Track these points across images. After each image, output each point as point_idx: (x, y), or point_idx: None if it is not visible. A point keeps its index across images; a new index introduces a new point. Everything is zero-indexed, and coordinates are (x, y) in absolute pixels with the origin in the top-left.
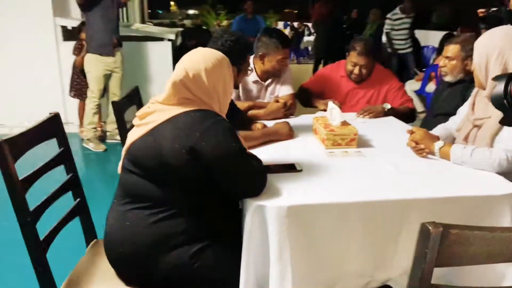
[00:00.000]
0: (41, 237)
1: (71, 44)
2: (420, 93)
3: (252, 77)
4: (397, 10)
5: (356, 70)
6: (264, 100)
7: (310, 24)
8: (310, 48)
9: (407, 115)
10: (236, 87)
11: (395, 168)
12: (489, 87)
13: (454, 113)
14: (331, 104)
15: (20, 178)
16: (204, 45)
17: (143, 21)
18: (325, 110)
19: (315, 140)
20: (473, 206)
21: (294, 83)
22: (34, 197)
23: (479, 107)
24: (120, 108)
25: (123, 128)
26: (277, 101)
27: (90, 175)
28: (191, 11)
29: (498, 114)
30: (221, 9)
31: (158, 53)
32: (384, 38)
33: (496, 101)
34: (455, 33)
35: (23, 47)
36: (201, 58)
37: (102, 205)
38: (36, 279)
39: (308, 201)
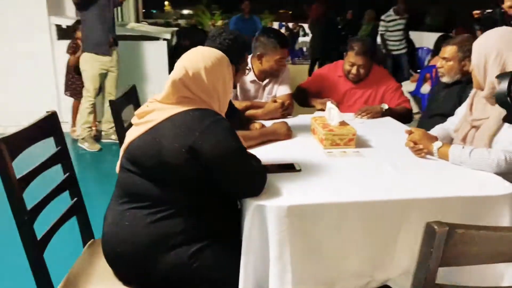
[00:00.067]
0: (38, 237)
1: (66, 43)
2: (415, 94)
3: (250, 76)
4: (390, 11)
5: (354, 70)
6: (261, 100)
7: (305, 25)
8: (305, 49)
9: (404, 116)
10: (234, 86)
11: (393, 168)
12: (487, 88)
13: (451, 114)
14: (329, 104)
15: (17, 177)
16: (200, 45)
17: (137, 21)
18: (322, 110)
19: (313, 140)
20: (472, 206)
21: (291, 83)
22: (28, 196)
23: (477, 108)
24: (118, 107)
25: (121, 127)
26: (275, 101)
27: (85, 174)
28: (185, 11)
29: (497, 115)
30: (216, 9)
31: (154, 52)
32: (378, 39)
33: (500, 99)
34: (450, 34)
35: (17, 46)
36: (201, 57)
37: (97, 204)
38: (33, 279)
39: (308, 201)
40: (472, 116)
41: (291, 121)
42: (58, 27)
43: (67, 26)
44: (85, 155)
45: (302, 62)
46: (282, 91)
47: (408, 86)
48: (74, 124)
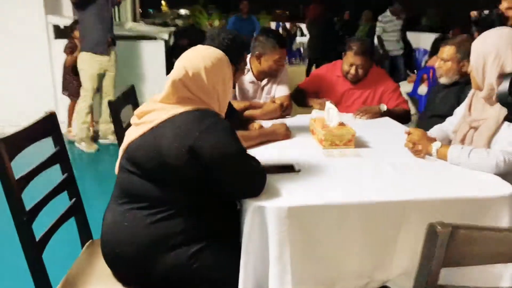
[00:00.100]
0: (37, 238)
1: (63, 42)
2: (412, 95)
3: (248, 77)
4: (387, 12)
5: (353, 70)
6: (260, 100)
7: (302, 25)
8: (302, 49)
9: (402, 116)
10: (232, 86)
11: (393, 169)
12: (486, 88)
13: (449, 115)
14: (328, 105)
15: (15, 177)
16: (198, 45)
17: (135, 20)
18: (320, 110)
19: (312, 141)
20: (471, 207)
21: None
22: (25, 196)
23: (476, 109)
24: (116, 107)
25: (119, 127)
26: (273, 102)
27: (82, 175)
28: (182, 11)
29: (495, 116)
30: (213, 9)
31: (152, 52)
32: (375, 40)
33: (502, 98)
34: (447, 35)
35: (14, 45)
36: (201, 56)
37: (94, 205)
38: (31, 279)
39: (308, 201)
40: (471, 116)
41: (289, 121)
42: (55, 26)
43: (65, 26)
44: (82, 155)
45: (299, 62)
46: (280, 91)
47: (405, 87)
48: (70, 125)
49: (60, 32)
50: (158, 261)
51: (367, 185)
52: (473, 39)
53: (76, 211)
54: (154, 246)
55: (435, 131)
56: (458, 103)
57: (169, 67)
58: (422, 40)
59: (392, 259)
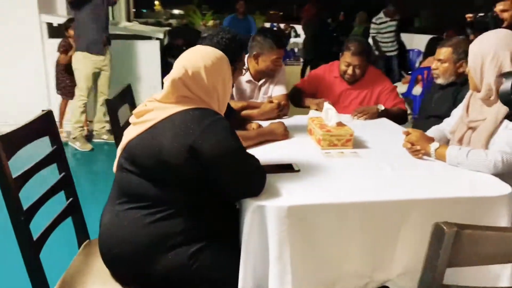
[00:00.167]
0: (34, 237)
1: (57, 41)
2: (406, 95)
3: (245, 76)
4: (381, 14)
5: (350, 70)
6: (257, 100)
7: (297, 26)
8: (296, 50)
9: (399, 116)
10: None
11: (391, 169)
12: (484, 89)
13: (445, 115)
14: (327, 105)
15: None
16: (192, 45)
17: (129, 20)
18: (317, 110)
19: (311, 141)
20: (469, 207)
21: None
22: (21, 196)
23: (473, 109)
24: (113, 106)
25: (117, 126)
26: (271, 102)
27: (76, 174)
28: (176, 11)
29: (493, 116)
30: (206, 9)
31: (146, 52)
32: (370, 41)
33: (504, 97)
34: (440, 37)
35: (7, 44)
36: (201, 56)
37: (90, 204)
38: (28, 280)
39: (308, 201)
40: (468, 117)
41: (287, 121)
42: (49, 25)
43: (59, 24)
44: (77, 154)
45: (293, 63)
46: (278, 91)
47: (399, 88)
48: (61, 125)
49: (54, 31)
50: (157, 261)
51: (367, 185)
52: (469, 40)
53: (73, 211)
54: (153, 246)
55: (433, 131)
56: (454, 104)
57: (164, 67)
58: (416, 41)
59: (392, 259)
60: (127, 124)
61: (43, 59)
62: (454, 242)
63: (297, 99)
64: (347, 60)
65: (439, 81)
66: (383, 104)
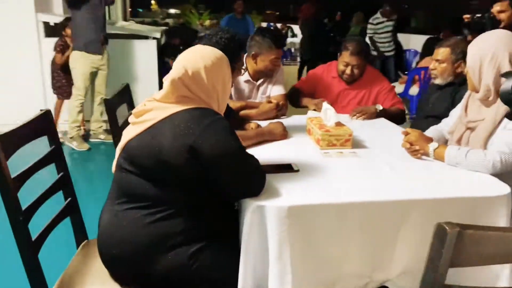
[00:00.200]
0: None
1: (54, 40)
2: (403, 96)
3: (244, 76)
4: (378, 14)
5: (348, 70)
6: (255, 100)
7: (293, 26)
8: (293, 50)
9: (397, 117)
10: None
11: (390, 169)
12: (482, 90)
13: (443, 115)
14: (325, 105)
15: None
16: (189, 44)
17: (125, 19)
18: (315, 110)
19: (309, 141)
20: (468, 207)
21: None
22: (19, 196)
23: (472, 110)
24: (112, 106)
25: (115, 126)
26: (269, 102)
27: (73, 174)
28: (172, 10)
29: (492, 117)
30: (203, 9)
31: (144, 51)
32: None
33: (504, 97)
34: (437, 37)
35: (3, 43)
36: (200, 56)
37: (87, 204)
38: (27, 280)
39: (308, 201)
40: (467, 118)
41: (285, 121)
42: (46, 24)
43: (55, 23)
44: (74, 154)
45: (290, 63)
46: (276, 91)
47: (396, 88)
48: (56, 125)
49: (50, 30)
50: (157, 261)
51: (366, 185)
52: (467, 41)
53: (72, 211)
54: (153, 246)
55: (431, 131)
56: (452, 104)
57: (160, 66)
58: (413, 41)
59: (391, 259)
60: (126, 123)
61: (40, 58)
62: (456, 242)
63: (295, 99)
64: (346, 60)
65: (437, 81)
66: (381, 104)
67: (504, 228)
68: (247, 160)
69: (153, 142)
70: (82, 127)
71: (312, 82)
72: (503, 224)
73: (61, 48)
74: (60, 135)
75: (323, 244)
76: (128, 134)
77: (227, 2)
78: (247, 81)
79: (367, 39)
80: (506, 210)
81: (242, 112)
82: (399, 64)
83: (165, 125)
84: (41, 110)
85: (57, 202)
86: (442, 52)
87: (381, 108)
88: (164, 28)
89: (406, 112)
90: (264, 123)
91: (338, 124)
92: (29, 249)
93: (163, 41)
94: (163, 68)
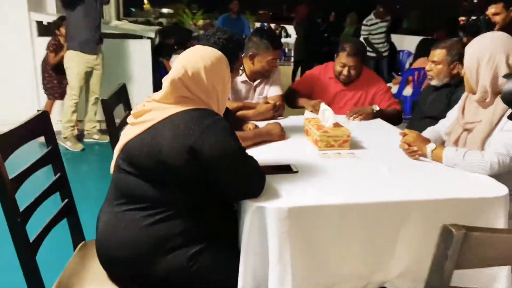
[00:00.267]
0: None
1: (47, 40)
2: (397, 96)
3: (241, 77)
4: (371, 15)
5: (345, 71)
6: (252, 101)
7: (287, 26)
8: (286, 50)
9: (394, 117)
10: None
11: (389, 170)
12: (479, 91)
13: (440, 116)
14: (323, 106)
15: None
16: (184, 44)
17: (118, 19)
18: (312, 111)
19: (307, 141)
20: (466, 208)
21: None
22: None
23: (469, 111)
24: (109, 106)
25: (113, 126)
26: (267, 102)
27: (67, 175)
28: (165, 10)
29: (489, 118)
30: (195, 8)
31: (138, 51)
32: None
33: (506, 98)
34: (430, 38)
35: None
36: (200, 56)
37: (83, 205)
38: (24, 282)
39: (308, 202)
40: (464, 119)
41: (282, 122)
42: (39, 23)
43: (48, 23)
44: (67, 155)
45: (284, 63)
46: (273, 91)
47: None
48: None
49: (43, 30)
50: (156, 263)
51: (365, 186)
52: (462, 42)
53: (69, 212)
54: (153, 248)
55: (428, 132)
56: (448, 105)
57: (155, 66)
58: (406, 42)
59: (390, 260)
60: (122, 124)
61: (33, 58)
62: (462, 244)
63: (291, 99)
64: (343, 61)
65: (433, 82)
66: (378, 104)
67: (509, 230)
68: (247, 161)
69: (153, 142)
70: (76, 127)
71: (309, 83)
72: (501, 225)
73: (55, 48)
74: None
75: (323, 245)
76: (127, 135)
77: (220, 1)
78: (244, 82)
79: (361, 40)
80: (504, 211)
81: (239, 113)
82: (393, 65)
83: (165, 126)
84: (38, 110)
85: (53, 203)
86: (438, 53)
87: (377, 108)
88: (158, 27)
89: None
90: (261, 124)
91: (336, 125)
92: (27, 251)
93: (157, 40)
94: (158, 68)
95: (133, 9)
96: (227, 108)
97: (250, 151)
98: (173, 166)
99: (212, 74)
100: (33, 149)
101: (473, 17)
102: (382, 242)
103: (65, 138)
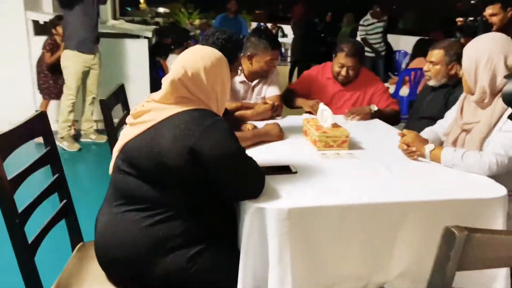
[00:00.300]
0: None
1: (43, 39)
2: (394, 97)
3: (239, 77)
4: (368, 16)
5: (343, 72)
6: (250, 101)
7: (284, 26)
8: (283, 50)
9: (392, 117)
10: None
11: (388, 170)
12: (478, 92)
13: (437, 117)
14: (322, 106)
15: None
16: (181, 43)
17: (115, 18)
18: (309, 112)
19: (306, 142)
20: (465, 208)
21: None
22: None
23: (467, 112)
24: (108, 106)
25: (111, 127)
26: (265, 103)
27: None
28: (161, 9)
29: (487, 119)
30: (191, 8)
31: (135, 50)
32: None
33: (507, 99)
34: (426, 38)
35: None
36: (200, 56)
37: (80, 205)
38: (23, 283)
39: (308, 203)
40: (462, 120)
41: (280, 122)
42: (35, 22)
43: (45, 22)
44: (64, 155)
45: (280, 63)
46: (271, 92)
47: None
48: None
49: (40, 29)
50: (156, 264)
51: (365, 187)
52: (460, 43)
53: (67, 213)
54: (152, 249)
55: (426, 133)
56: (446, 105)
57: (152, 66)
58: (402, 42)
59: (390, 261)
60: (120, 124)
61: (29, 57)
62: (465, 245)
63: (290, 100)
64: (341, 61)
65: (431, 83)
66: (376, 104)
67: (509, 232)
68: (247, 162)
69: (152, 143)
70: (72, 127)
71: (307, 83)
72: (499, 226)
73: (51, 47)
74: None
75: (323, 246)
76: (126, 135)
77: (216, 1)
78: (242, 82)
79: (358, 39)
80: (503, 211)
81: (238, 113)
82: (389, 65)
83: (165, 127)
84: (36, 110)
85: (51, 204)
86: (436, 54)
87: (376, 108)
88: (155, 27)
89: None
90: (260, 124)
91: (335, 125)
92: (26, 252)
93: (154, 40)
94: (155, 68)
95: (129, 9)
96: (226, 108)
97: (249, 152)
98: (173, 166)
99: (211, 75)
100: (30, 150)
101: (471, 18)
102: (382, 242)
103: (62, 138)
